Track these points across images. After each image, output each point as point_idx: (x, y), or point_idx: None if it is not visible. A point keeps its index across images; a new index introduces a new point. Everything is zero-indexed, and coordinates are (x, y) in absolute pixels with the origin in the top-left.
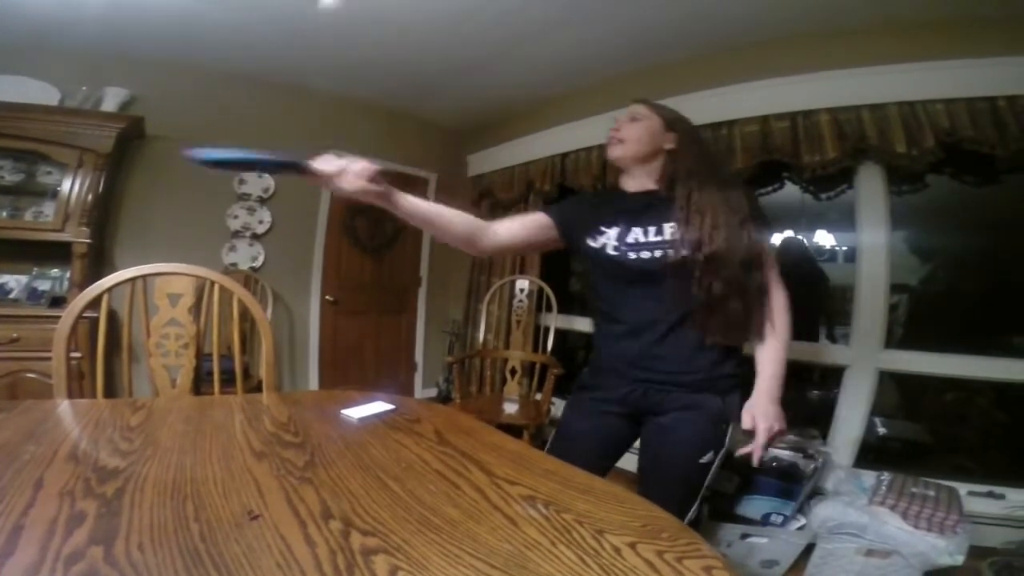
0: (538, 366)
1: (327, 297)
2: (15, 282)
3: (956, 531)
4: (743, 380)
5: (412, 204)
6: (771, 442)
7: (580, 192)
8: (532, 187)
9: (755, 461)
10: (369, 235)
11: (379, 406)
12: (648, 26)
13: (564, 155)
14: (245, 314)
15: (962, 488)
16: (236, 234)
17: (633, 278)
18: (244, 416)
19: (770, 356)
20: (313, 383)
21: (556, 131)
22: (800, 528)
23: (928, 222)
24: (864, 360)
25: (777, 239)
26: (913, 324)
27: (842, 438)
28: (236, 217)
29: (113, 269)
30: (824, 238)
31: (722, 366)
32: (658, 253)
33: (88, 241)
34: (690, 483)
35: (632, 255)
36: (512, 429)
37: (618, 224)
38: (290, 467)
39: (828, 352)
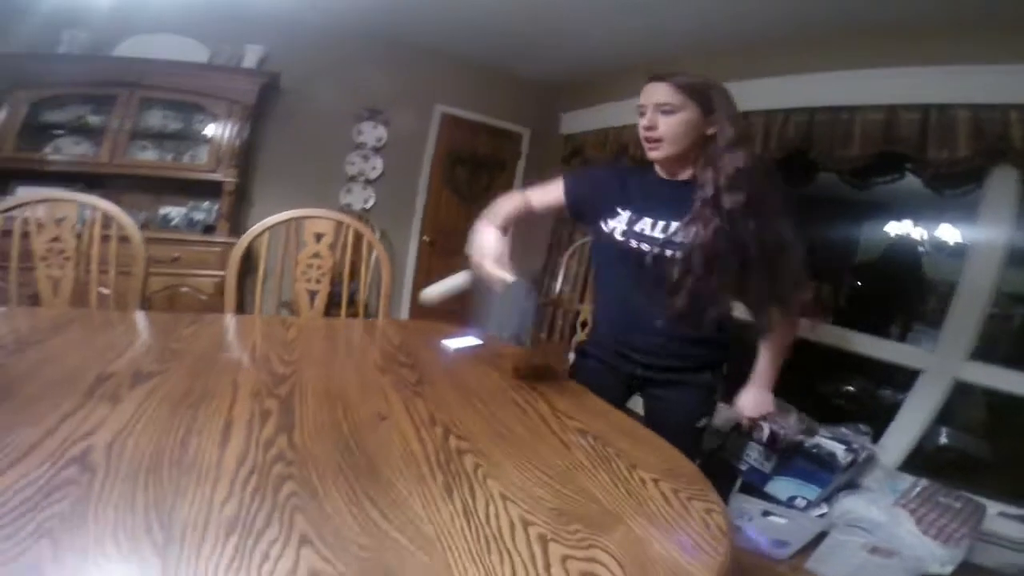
0: None
1: (425, 238)
2: (175, 212)
3: (959, 543)
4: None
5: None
6: (759, 419)
7: (613, 166)
8: (626, 151)
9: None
10: (467, 184)
11: (470, 340)
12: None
13: None
14: (357, 248)
15: (994, 507)
16: (352, 178)
17: (639, 264)
18: (368, 337)
19: (770, 355)
20: (404, 312)
21: None
22: (820, 515)
23: None
24: (943, 368)
25: (891, 229)
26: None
27: (895, 440)
28: (353, 163)
29: (251, 204)
30: (948, 232)
31: (717, 349)
32: (656, 249)
33: (235, 181)
34: (688, 445)
35: (634, 243)
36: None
37: (632, 209)
38: (405, 382)
39: (906, 354)
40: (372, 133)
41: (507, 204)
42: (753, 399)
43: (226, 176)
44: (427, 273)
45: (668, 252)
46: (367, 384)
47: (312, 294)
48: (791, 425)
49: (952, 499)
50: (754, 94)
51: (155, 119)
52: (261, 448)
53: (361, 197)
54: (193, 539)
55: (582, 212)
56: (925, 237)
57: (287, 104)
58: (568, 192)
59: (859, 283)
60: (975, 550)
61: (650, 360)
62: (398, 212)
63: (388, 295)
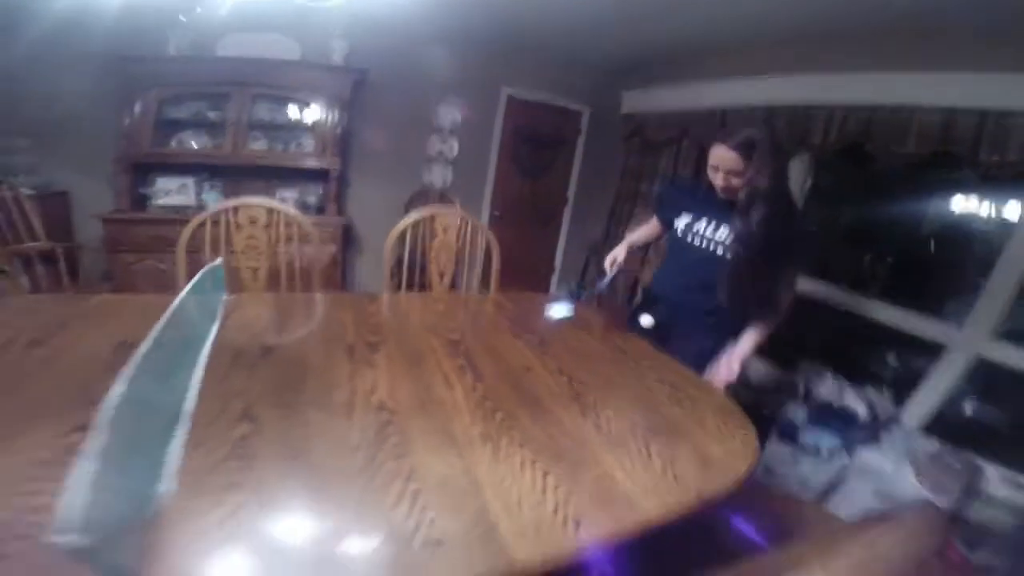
0: None
1: (495, 212)
2: (290, 196)
3: (948, 496)
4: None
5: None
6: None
7: (679, 182)
8: (687, 133)
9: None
10: (530, 161)
11: (565, 308)
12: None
13: (724, 110)
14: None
15: (997, 472)
16: (432, 159)
17: (690, 250)
18: (493, 309)
19: (750, 336)
20: (475, 280)
21: (720, 84)
22: (842, 464)
23: None
24: (966, 345)
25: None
26: None
27: (918, 406)
28: (433, 145)
29: (348, 185)
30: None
31: (722, 322)
32: (705, 244)
33: (339, 168)
34: None
35: (690, 238)
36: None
37: (693, 214)
38: (533, 345)
39: (934, 329)
40: (448, 116)
41: (642, 232)
42: (724, 367)
43: (331, 164)
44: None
45: (711, 248)
46: (509, 346)
47: (441, 275)
48: (825, 385)
49: (955, 460)
50: (817, 87)
51: (263, 112)
52: (471, 391)
53: (441, 176)
54: (471, 447)
55: (668, 224)
56: (992, 215)
57: (374, 93)
58: (659, 219)
59: (919, 256)
60: (972, 507)
61: (678, 314)
62: (471, 188)
63: (498, 274)
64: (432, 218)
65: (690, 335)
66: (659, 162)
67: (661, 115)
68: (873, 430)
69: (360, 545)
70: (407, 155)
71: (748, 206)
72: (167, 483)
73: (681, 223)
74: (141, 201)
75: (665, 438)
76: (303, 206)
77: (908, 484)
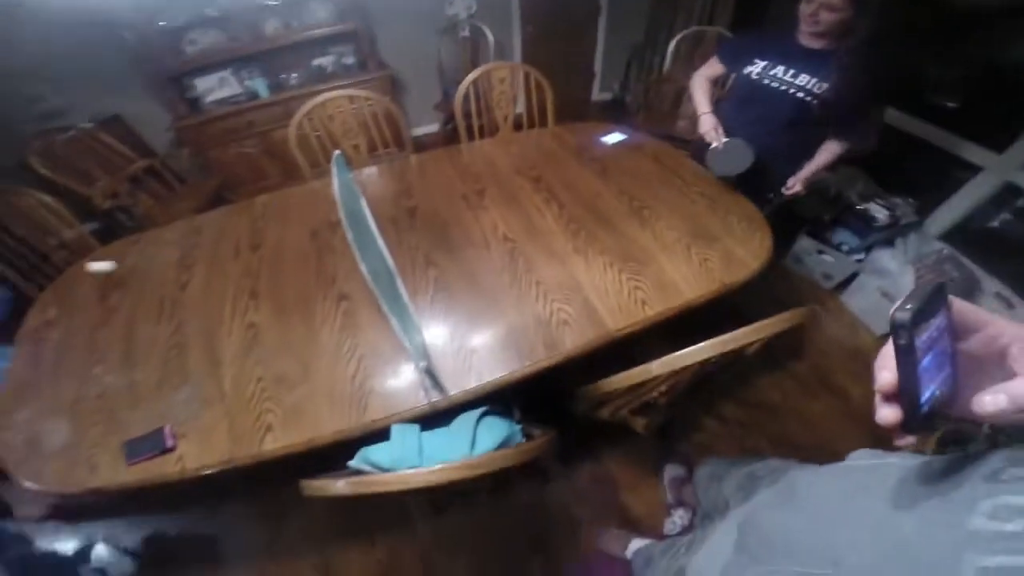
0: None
1: (527, 27)
2: (326, 61)
3: None
4: None
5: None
6: (792, 192)
7: (748, 32)
8: None
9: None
10: None
11: (618, 136)
12: None
13: None
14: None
15: (992, 285)
16: None
17: (756, 96)
18: (556, 142)
19: (816, 161)
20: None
21: None
22: (858, 260)
23: None
24: (1001, 170)
25: None
26: None
27: (941, 214)
28: None
29: (377, 40)
30: None
31: (788, 163)
32: (785, 87)
33: (365, 26)
34: (758, 205)
35: (766, 81)
36: (682, 141)
37: (768, 60)
38: (596, 171)
39: (973, 152)
40: None
41: (700, 90)
42: (801, 178)
43: (354, 25)
44: (532, 57)
45: (792, 91)
46: (578, 175)
47: (505, 118)
48: (855, 189)
49: (956, 270)
50: None
51: None
52: (559, 217)
53: (464, 5)
54: (569, 258)
55: (733, 68)
56: None
57: None
58: (723, 62)
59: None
60: None
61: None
62: (498, 10)
63: (555, 110)
64: (488, 73)
65: (769, 165)
66: None
67: None
68: (890, 234)
69: (527, 329)
70: None
71: (846, 57)
72: (417, 319)
73: (756, 68)
74: (194, 104)
75: (703, 241)
76: (344, 68)
77: (906, 286)
